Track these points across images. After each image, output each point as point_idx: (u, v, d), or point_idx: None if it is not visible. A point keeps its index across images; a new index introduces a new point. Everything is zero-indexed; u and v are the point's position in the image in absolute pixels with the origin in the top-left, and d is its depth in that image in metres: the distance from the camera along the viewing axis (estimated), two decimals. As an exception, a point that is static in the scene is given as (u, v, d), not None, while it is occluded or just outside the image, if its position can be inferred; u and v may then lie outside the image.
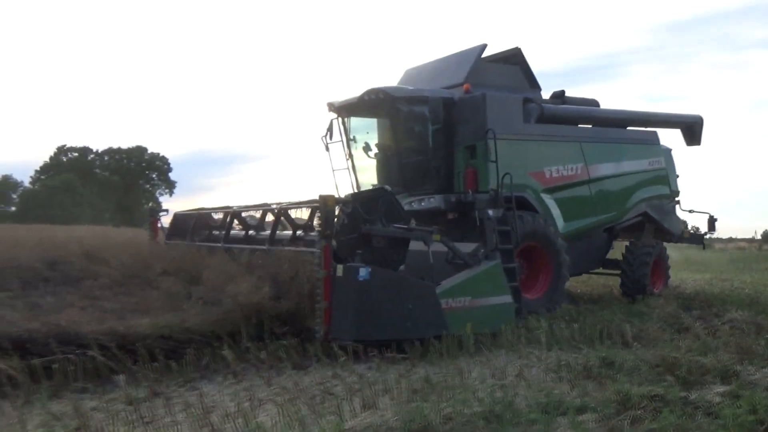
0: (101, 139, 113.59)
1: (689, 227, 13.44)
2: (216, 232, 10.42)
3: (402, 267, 8.15)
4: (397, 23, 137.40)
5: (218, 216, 10.75)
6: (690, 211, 13.62)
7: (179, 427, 4.67)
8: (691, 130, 13.72)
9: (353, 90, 10.43)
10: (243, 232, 9.96)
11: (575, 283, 13.87)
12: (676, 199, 13.41)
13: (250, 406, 5.10)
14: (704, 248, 13.95)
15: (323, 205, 7.10)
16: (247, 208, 10.01)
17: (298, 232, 8.42)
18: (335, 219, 7.39)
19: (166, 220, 11.81)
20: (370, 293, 7.08)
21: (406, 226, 8.01)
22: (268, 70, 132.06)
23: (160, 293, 8.01)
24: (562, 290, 10.46)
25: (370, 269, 7.07)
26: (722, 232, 15.68)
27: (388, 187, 8.58)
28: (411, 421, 4.21)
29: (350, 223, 7.66)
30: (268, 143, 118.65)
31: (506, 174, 9.89)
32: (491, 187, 10.02)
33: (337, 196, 11.13)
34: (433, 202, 10.00)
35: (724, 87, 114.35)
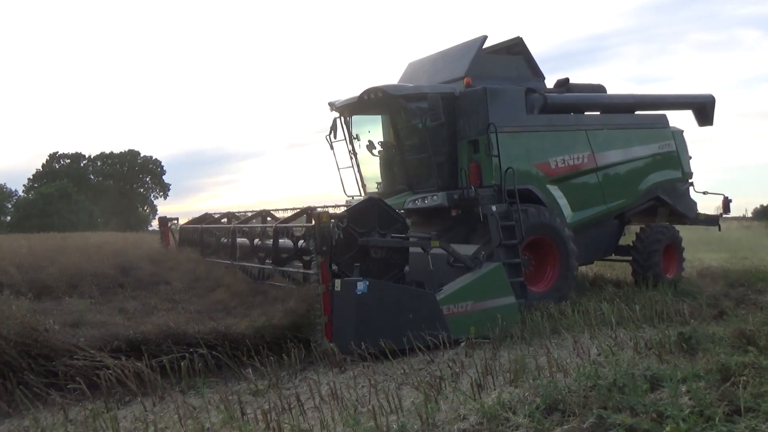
0: (88, 143, 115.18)
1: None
2: (224, 240, 10.52)
3: (407, 268, 8.19)
4: (398, 15, 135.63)
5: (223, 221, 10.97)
6: (704, 193, 13.39)
7: (326, 408, 5.11)
8: (703, 110, 13.43)
9: (356, 84, 10.38)
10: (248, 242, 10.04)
11: (602, 268, 13.86)
12: (690, 181, 13.19)
13: (392, 387, 5.59)
14: (720, 230, 13.69)
15: (317, 222, 7.15)
16: (247, 220, 10.33)
17: (300, 242, 8.47)
18: (331, 235, 7.42)
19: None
20: (369, 306, 7.16)
21: (403, 235, 8.03)
22: (259, 65, 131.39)
23: (216, 299, 8.41)
24: (570, 281, 10.39)
25: (367, 283, 7.14)
26: (710, 211, 15.40)
27: (375, 196, 8.62)
28: (547, 395, 4.44)
29: (346, 239, 7.65)
30: (258, 141, 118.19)
31: (509, 168, 9.83)
32: (494, 181, 9.97)
33: (345, 194, 11.46)
34: (436, 199, 9.97)
35: (710, 66, 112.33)
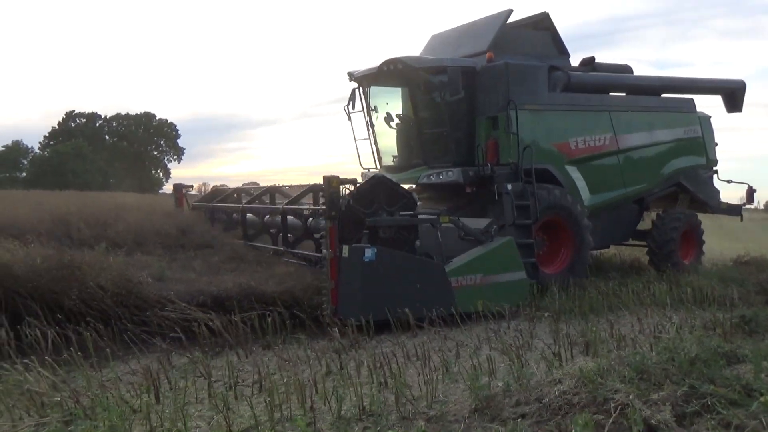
0: (103, 103, 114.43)
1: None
2: (235, 215, 10.50)
3: (418, 243, 8.12)
4: None
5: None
6: (728, 182, 13.09)
7: (413, 367, 5.44)
8: (733, 96, 13.06)
9: (377, 55, 10.24)
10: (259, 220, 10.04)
11: (629, 250, 13.50)
12: (714, 168, 12.88)
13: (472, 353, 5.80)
14: (741, 220, 13.38)
15: (327, 186, 7.09)
16: (256, 198, 10.34)
17: (309, 221, 8.42)
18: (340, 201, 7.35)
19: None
20: (377, 273, 7.11)
21: (411, 213, 7.93)
22: (275, 33, 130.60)
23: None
24: (584, 264, 10.25)
25: (375, 250, 7.08)
26: (733, 200, 15.12)
27: (381, 173, 8.53)
28: (635, 365, 4.54)
29: (353, 217, 7.55)
30: (271, 109, 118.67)
31: (527, 147, 9.66)
32: (512, 159, 9.81)
33: (361, 166, 11.36)
34: (451, 175, 9.85)
35: (733, 53, 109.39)
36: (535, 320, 7.40)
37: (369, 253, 7.05)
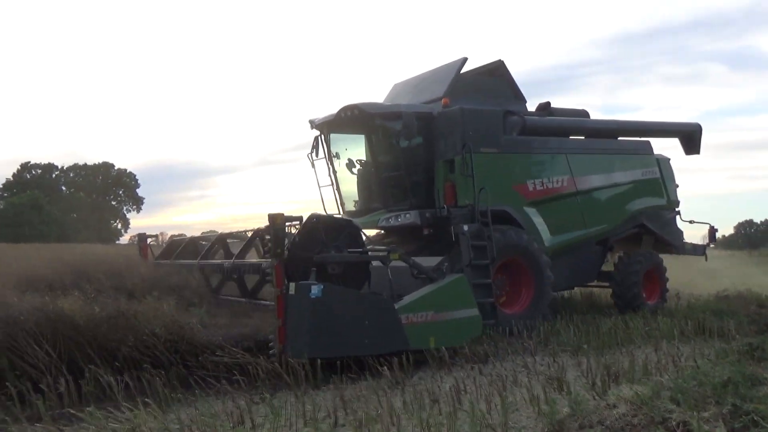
0: (57, 153, 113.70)
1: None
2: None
3: (366, 287, 8.13)
4: (386, 37, 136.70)
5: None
6: (690, 222, 13.30)
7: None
8: (690, 138, 13.41)
9: (340, 103, 10.42)
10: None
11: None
12: (676, 209, 13.10)
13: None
14: (706, 260, 13.54)
15: (272, 223, 7.14)
16: (208, 253, 10.04)
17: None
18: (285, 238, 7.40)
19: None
20: (324, 310, 7.05)
21: (360, 250, 7.99)
22: (234, 79, 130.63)
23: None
24: (545, 305, 10.25)
25: (322, 287, 7.07)
26: (695, 240, 15.54)
27: (354, 221, 8.61)
28: (677, 389, 4.87)
29: (303, 243, 7.63)
30: (230, 157, 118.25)
31: (482, 189, 9.81)
32: (468, 201, 9.95)
33: (325, 212, 11.43)
34: (409, 217, 9.96)
35: (678, 98, 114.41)
36: (557, 355, 7.80)
37: (315, 290, 7.01)
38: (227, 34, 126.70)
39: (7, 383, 5.97)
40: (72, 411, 5.43)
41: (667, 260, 12.65)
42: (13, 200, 55.05)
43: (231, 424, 5.25)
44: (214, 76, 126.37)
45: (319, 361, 6.74)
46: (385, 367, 6.65)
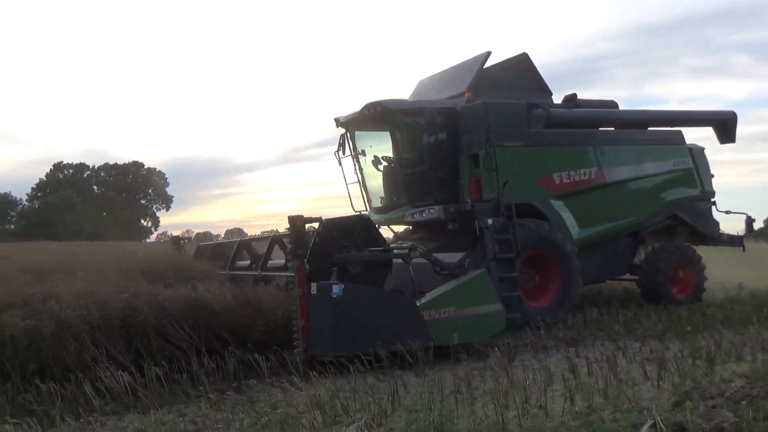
0: (71, 149, 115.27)
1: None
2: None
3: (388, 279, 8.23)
4: (413, 33, 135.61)
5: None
6: (726, 212, 12.96)
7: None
8: (724, 127, 13.06)
9: (362, 101, 10.52)
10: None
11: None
12: (712, 200, 12.79)
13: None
14: (744, 250, 13.15)
15: (292, 225, 7.29)
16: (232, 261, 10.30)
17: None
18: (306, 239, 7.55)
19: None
20: (345, 309, 7.19)
21: (381, 248, 8.08)
22: (260, 77, 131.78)
23: None
24: (573, 298, 10.18)
25: (343, 286, 7.19)
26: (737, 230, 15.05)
27: (365, 214, 8.68)
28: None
29: (322, 247, 7.74)
30: (250, 154, 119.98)
31: (506, 182, 9.79)
32: (493, 195, 9.94)
33: (353, 209, 11.58)
34: (433, 213, 10.01)
35: (703, 90, 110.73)
36: (645, 340, 8.10)
37: (336, 289, 7.15)
38: (251, 30, 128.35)
39: (156, 364, 6.55)
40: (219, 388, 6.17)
41: (726, 253, 12.68)
42: (48, 200, 56.98)
43: (387, 395, 5.52)
44: (235, 73, 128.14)
45: (432, 345, 7.19)
46: (496, 348, 7.24)
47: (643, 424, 4.12)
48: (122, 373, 6.20)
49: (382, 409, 5.12)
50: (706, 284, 11.98)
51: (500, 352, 7.21)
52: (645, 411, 4.55)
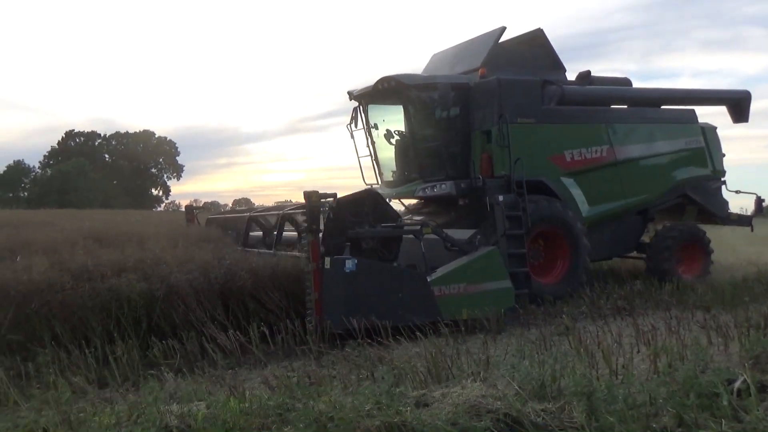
0: (75, 116, 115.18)
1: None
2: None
3: (395, 264, 8.38)
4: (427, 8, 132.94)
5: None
6: (736, 192, 12.97)
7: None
8: (738, 106, 12.99)
9: (382, 73, 10.54)
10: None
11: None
12: (722, 179, 12.80)
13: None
14: (752, 230, 13.20)
15: (307, 200, 7.41)
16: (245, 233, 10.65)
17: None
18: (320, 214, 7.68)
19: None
20: (358, 284, 7.37)
21: (394, 224, 8.19)
22: (272, 49, 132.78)
23: None
24: (581, 275, 10.30)
25: (356, 261, 7.36)
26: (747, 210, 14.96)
27: (373, 188, 8.77)
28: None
29: (335, 224, 7.87)
30: (260, 123, 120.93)
31: (518, 159, 9.85)
32: (504, 172, 10.01)
33: (364, 183, 11.68)
34: (444, 188, 10.09)
35: (716, 63, 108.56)
36: (693, 310, 8.39)
37: (350, 264, 7.32)
38: (260, 1, 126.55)
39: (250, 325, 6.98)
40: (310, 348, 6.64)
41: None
42: (61, 168, 57.17)
43: (476, 359, 5.73)
44: (244, 43, 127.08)
45: (503, 312, 7.84)
46: (564, 317, 7.70)
47: (735, 380, 4.28)
48: (233, 332, 6.71)
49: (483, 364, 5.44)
50: (737, 261, 12.29)
51: (566, 318, 7.64)
52: (729, 369, 4.70)
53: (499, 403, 4.00)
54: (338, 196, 8.05)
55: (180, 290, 7.37)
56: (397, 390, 4.45)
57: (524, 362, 5.13)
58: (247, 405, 4.20)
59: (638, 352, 6.13)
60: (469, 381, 4.59)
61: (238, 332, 6.78)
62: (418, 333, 6.54)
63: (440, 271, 7.97)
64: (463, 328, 7.43)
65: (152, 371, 5.94)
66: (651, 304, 9.14)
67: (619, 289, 9.94)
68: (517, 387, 4.27)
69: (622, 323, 7.90)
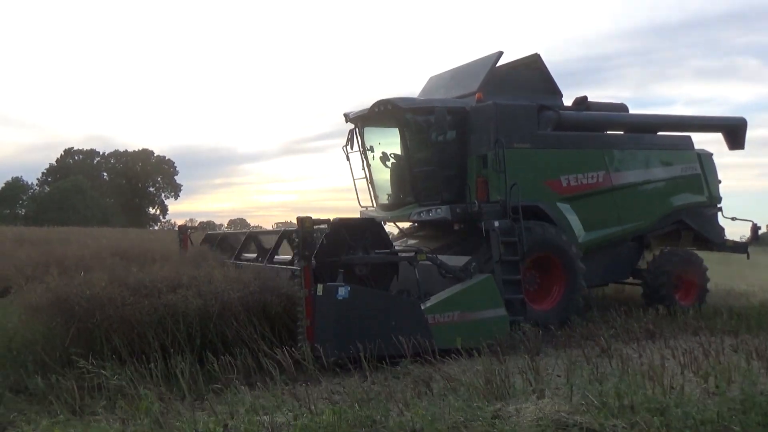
0: (72, 134, 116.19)
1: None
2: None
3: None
4: (425, 30, 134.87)
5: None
6: (732, 219, 12.92)
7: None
8: (734, 133, 12.99)
9: (377, 96, 10.59)
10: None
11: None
12: (718, 206, 12.77)
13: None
14: (748, 257, 13.15)
15: (301, 226, 7.32)
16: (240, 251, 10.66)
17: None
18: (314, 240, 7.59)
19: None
20: (351, 311, 7.28)
21: (388, 250, 8.11)
22: (267, 70, 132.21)
23: None
24: (577, 301, 10.21)
25: (349, 288, 7.26)
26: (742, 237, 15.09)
27: (377, 218, 8.72)
28: None
29: (330, 247, 7.78)
30: (255, 144, 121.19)
31: (514, 184, 9.79)
32: (500, 197, 9.94)
33: (359, 205, 11.61)
34: (440, 212, 10.01)
35: (710, 92, 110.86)
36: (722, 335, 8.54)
37: (342, 291, 7.23)
38: (258, 20, 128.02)
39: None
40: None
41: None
42: (59, 185, 57.15)
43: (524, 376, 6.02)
44: (241, 64, 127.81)
45: (540, 332, 7.95)
46: (601, 338, 7.84)
47: None
48: (287, 348, 6.77)
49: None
50: (749, 287, 12.45)
51: (603, 340, 7.78)
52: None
53: (578, 417, 4.31)
54: (335, 218, 7.99)
55: (232, 307, 7.43)
56: (474, 404, 4.68)
57: (582, 379, 5.38)
58: (335, 417, 4.41)
59: (681, 373, 6.29)
60: (534, 396, 4.81)
61: (293, 348, 6.88)
62: (453, 354, 6.91)
63: (434, 299, 7.88)
64: (498, 348, 7.47)
65: (217, 385, 6.09)
66: (675, 328, 9.44)
67: (644, 314, 10.08)
68: (597, 403, 4.56)
69: (654, 346, 8.11)
